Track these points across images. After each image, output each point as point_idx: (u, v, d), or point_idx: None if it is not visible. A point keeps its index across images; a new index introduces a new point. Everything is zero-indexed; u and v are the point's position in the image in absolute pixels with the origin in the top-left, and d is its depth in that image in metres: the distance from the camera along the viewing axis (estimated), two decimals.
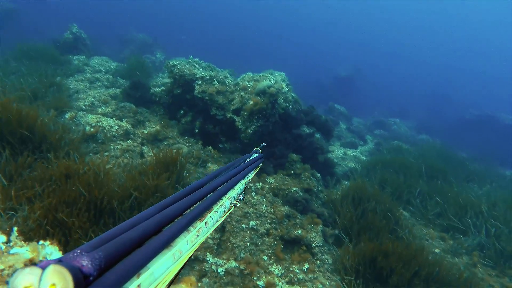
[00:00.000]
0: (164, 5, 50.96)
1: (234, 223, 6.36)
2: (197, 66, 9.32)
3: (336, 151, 12.64)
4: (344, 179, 10.16)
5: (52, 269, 0.50)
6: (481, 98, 35.03)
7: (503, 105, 28.50)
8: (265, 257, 6.07)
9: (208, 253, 5.78)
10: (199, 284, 5.32)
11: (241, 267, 5.65)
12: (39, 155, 6.11)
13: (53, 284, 0.49)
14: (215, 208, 1.19)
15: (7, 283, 0.55)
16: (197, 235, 0.98)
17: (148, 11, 44.56)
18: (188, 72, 8.81)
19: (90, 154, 7.34)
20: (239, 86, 8.62)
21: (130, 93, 9.70)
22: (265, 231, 6.44)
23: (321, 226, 7.07)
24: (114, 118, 8.69)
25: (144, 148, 8.00)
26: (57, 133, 6.61)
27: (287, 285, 5.71)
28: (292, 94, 8.93)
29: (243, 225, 6.38)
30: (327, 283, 5.92)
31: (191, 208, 1.06)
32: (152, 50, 20.50)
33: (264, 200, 7.10)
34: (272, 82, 8.40)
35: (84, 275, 0.55)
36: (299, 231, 6.65)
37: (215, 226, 1.16)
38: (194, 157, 7.83)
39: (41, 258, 1.92)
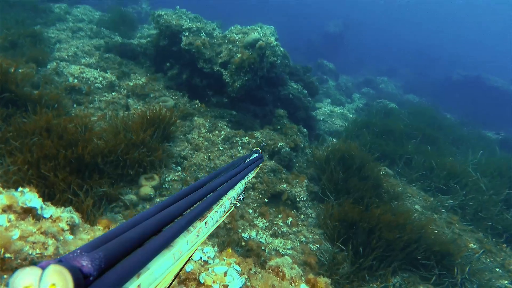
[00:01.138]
0: None
1: None
2: (184, 17, 9.04)
3: (324, 108, 12.66)
4: (330, 136, 10.22)
5: (52, 269, 0.49)
6: (469, 61, 34.97)
7: (491, 69, 28.53)
8: (250, 210, 6.16)
9: None
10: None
11: (226, 220, 5.73)
12: (21, 109, 5.99)
13: (53, 284, 0.48)
14: (215, 208, 1.18)
15: (7, 283, 0.51)
16: (197, 235, 0.97)
17: None
18: (174, 23, 8.54)
19: (74, 105, 7.20)
20: (227, 38, 8.42)
21: (117, 48, 9.42)
22: (251, 185, 6.50)
23: (306, 181, 7.18)
24: (98, 69, 8.47)
25: (129, 100, 7.87)
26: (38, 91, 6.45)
27: (271, 238, 5.84)
28: (281, 49, 8.77)
29: None
30: (310, 236, 6.07)
31: (191, 208, 1.04)
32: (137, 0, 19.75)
33: None
34: (261, 35, 8.22)
35: (84, 275, 0.55)
36: (284, 185, 6.74)
37: (215, 226, 1.14)
38: (180, 110, 7.74)
39: (20, 204, 1.92)
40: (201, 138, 7.09)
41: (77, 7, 13.28)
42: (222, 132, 7.45)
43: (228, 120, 8.06)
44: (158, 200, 5.67)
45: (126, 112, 7.35)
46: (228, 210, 1.30)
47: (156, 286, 0.72)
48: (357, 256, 5.66)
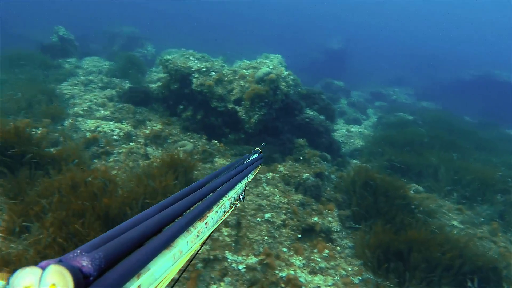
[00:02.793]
0: None
1: (249, 217, 6.26)
2: (192, 58, 9.10)
3: (341, 129, 12.49)
4: (352, 158, 10.03)
5: (52, 269, 0.49)
6: (474, 58, 34.64)
7: (498, 63, 28.13)
8: (285, 249, 5.98)
9: (226, 251, 5.69)
10: (221, 284, 5.25)
11: (262, 261, 5.57)
12: (42, 168, 5.98)
13: (53, 284, 0.48)
14: (215, 208, 1.19)
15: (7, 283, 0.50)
16: (198, 236, 0.98)
17: (132, 4, 43.75)
18: (183, 65, 8.58)
19: (94, 160, 7.20)
20: (237, 74, 8.42)
21: (129, 96, 9.49)
22: (281, 222, 6.33)
23: (336, 210, 6.98)
24: (114, 121, 8.52)
25: (148, 148, 7.85)
26: (57, 148, 6.48)
27: (310, 276, 5.64)
28: (292, 77, 8.73)
29: (259, 219, 6.27)
30: (350, 268, 5.85)
31: (191, 209, 1.05)
32: (141, 43, 20.16)
33: (277, 190, 6.98)
34: (271, 67, 8.19)
35: (84, 275, 0.55)
36: (315, 218, 6.56)
37: (215, 227, 1.16)
38: (200, 153, 7.67)
39: None
40: None
41: (86, 59, 13.54)
42: None
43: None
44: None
45: (146, 161, 7.31)
46: (228, 211, 1.33)
47: (156, 287, 0.72)
48: (401, 281, 5.43)
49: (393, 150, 9.82)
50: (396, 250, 5.85)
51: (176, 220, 0.94)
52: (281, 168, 7.56)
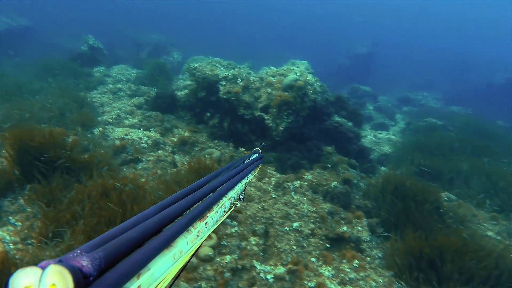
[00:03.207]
0: (171, 4, 50.78)
1: (277, 226, 6.20)
2: (218, 66, 9.13)
3: (368, 135, 12.29)
4: (381, 165, 9.84)
5: (52, 269, 0.49)
6: (505, 61, 33.51)
7: None
8: (313, 259, 5.89)
9: (254, 260, 5.64)
10: None
11: (290, 271, 5.50)
12: (72, 174, 6.08)
13: (53, 284, 0.48)
14: (215, 208, 1.19)
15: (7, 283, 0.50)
16: (198, 236, 0.99)
17: (157, 11, 44.44)
18: (210, 73, 8.62)
19: (123, 168, 7.29)
20: (264, 81, 8.39)
21: (156, 102, 9.60)
22: (310, 231, 6.25)
23: (365, 219, 6.84)
24: (142, 129, 8.62)
25: (176, 156, 7.90)
26: (87, 154, 6.58)
27: (339, 287, 5.53)
28: (319, 84, 8.64)
29: (287, 228, 6.21)
30: (380, 280, 5.70)
31: (191, 208, 1.06)
32: (168, 50, 20.40)
33: (305, 198, 6.90)
34: (298, 74, 8.13)
35: (84, 275, 0.55)
36: (344, 227, 6.44)
37: (215, 227, 1.16)
38: (228, 160, 7.67)
39: None
40: (252, 188, 6.95)
41: (114, 67, 13.81)
42: (273, 178, 7.29)
43: (276, 164, 7.92)
44: (218, 259, 5.50)
45: (174, 169, 7.35)
46: (228, 211, 1.33)
47: (156, 287, 0.72)
48: None
49: (422, 156, 9.58)
50: (428, 258, 5.68)
51: (176, 220, 0.95)
52: (308, 176, 7.47)
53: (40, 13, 27.78)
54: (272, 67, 9.02)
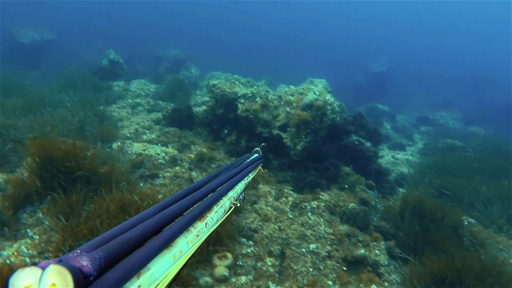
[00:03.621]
0: (190, 20, 51.61)
1: (293, 247, 6.12)
2: (237, 83, 9.19)
3: (386, 156, 12.14)
4: (398, 186, 9.69)
5: (52, 269, 0.49)
6: None
7: None
8: (330, 282, 5.77)
9: (270, 282, 5.56)
10: None
11: None
12: (90, 188, 6.11)
13: (53, 284, 0.48)
14: (215, 208, 1.19)
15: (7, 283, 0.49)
16: (198, 236, 0.99)
17: (175, 27, 45.12)
18: (229, 91, 8.67)
19: (141, 184, 7.31)
20: (283, 100, 8.39)
21: (174, 117, 9.67)
22: (327, 253, 6.14)
23: (383, 242, 6.71)
24: (159, 145, 8.67)
25: (192, 173, 7.90)
26: (107, 166, 6.62)
27: None
28: (337, 103, 8.60)
29: (303, 249, 6.12)
30: None
31: (191, 208, 1.06)
32: (186, 65, 20.62)
33: (322, 220, 6.82)
34: (317, 94, 8.11)
35: (84, 275, 0.54)
36: (362, 251, 6.32)
37: (215, 227, 1.16)
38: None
39: None
40: (269, 208, 6.89)
41: (133, 82, 14.02)
42: (290, 198, 7.23)
43: (292, 183, 7.86)
44: (233, 280, 5.43)
45: None
46: (228, 211, 1.32)
47: (156, 287, 0.72)
48: None
49: (441, 178, 9.40)
50: (448, 282, 5.52)
51: (176, 220, 0.95)
52: (326, 196, 7.39)
53: (63, 25, 28.46)
54: (291, 86, 9.05)
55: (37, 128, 8.14)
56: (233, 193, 1.41)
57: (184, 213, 1.01)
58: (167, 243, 0.83)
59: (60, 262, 0.52)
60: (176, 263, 0.82)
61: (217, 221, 1.18)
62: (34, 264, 0.52)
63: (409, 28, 59.30)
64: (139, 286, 0.65)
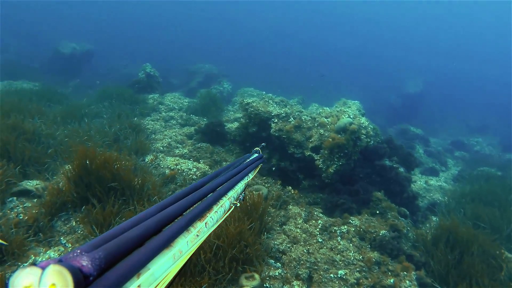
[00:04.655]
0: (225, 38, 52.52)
1: (321, 272, 6.02)
2: (271, 102, 9.24)
3: (418, 181, 11.86)
4: (431, 213, 9.42)
5: (52, 269, 0.49)
6: None
7: None
8: None
9: None
10: None
11: None
12: (122, 199, 6.21)
13: (53, 284, 0.48)
14: (215, 208, 1.20)
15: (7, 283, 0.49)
16: (197, 236, 0.99)
17: (209, 43, 46.01)
18: (263, 110, 8.72)
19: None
20: (317, 122, 8.37)
21: (206, 132, 9.78)
22: (355, 280, 6.01)
23: (414, 273, 6.52)
24: (191, 160, 8.77)
25: None
26: (140, 179, 6.72)
27: None
28: (371, 126, 8.51)
29: (331, 275, 6.01)
30: None
31: (191, 208, 1.06)
32: (218, 80, 20.91)
33: (351, 245, 6.70)
34: (352, 117, 8.06)
35: (84, 275, 0.54)
36: (392, 280, 6.16)
37: (215, 227, 1.16)
38: (275, 199, 7.61)
39: None
40: (298, 230, 6.83)
41: (167, 95, 14.31)
42: (320, 221, 7.14)
43: (323, 206, 7.78)
44: None
45: None
46: (228, 210, 1.34)
47: (156, 286, 0.72)
48: None
49: (477, 208, 9.08)
50: None
51: (176, 220, 0.96)
52: (356, 221, 7.27)
53: (102, 36, 29.48)
54: (325, 108, 9.03)
55: (75, 138, 8.39)
56: (233, 193, 1.42)
57: (184, 213, 1.02)
58: (167, 243, 0.84)
59: (60, 262, 0.53)
60: (176, 263, 0.83)
61: (217, 221, 1.19)
62: (34, 264, 0.51)
63: (447, 52, 58.12)
64: (139, 286, 0.66)
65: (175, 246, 0.86)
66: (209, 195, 1.23)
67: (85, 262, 0.56)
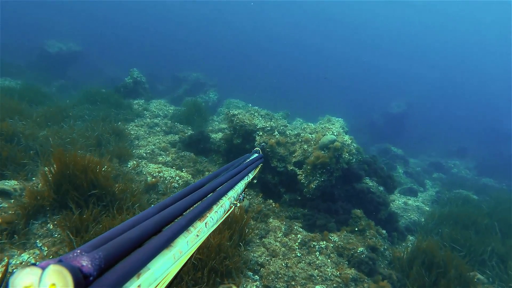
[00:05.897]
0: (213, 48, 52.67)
1: (299, 287, 6.05)
2: (257, 115, 9.30)
3: (397, 200, 12.05)
4: (408, 233, 9.58)
5: (52, 269, 0.49)
6: None
7: None
8: None
9: None
10: None
11: None
12: (102, 205, 6.13)
13: (53, 284, 0.48)
14: (215, 208, 1.20)
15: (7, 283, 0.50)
16: (197, 236, 0.99)
17: (198, 52, 46.12)
18: (248, 122, 8.79)
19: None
20: (301, 137, 8.47)
21: (190, 142, 9.78)
22: None
23: None
24: (174, 168, 8.74)
25: None
26: (120, 185, 6.65)
27: None
28: (354, 145, 8.65)
29: None
30: None
31: (191, 208, 1.06)
32: (205, 89, 20.93)
33: (329, 261, 6.76)
34: (335, 134, 8.18)
35: (84, 275, 0.55)
36: None
37: (215, 227, 1.16)
38: (256, 212, 7.64)
39: None
40: (277, 243, 6.87)
41: (153, 101, 14.26)
42: (299, 235, 7.20)
43: (303, 221, 7.84)
44: None
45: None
46: (228, 210, 1.33)
47: (156, 286, 0.72)
48: None
49: (452, 231, 9.26)
50: None
51: (176, 220, 0.96)
52: (335, 237, 7.35)
53: (91, 37, 29.25)
54: (309, 123, 9.15)
55: (56, 140, 8.27)
56: (233, 193, 1.43)
57: (184, 213, 1.02)
58: (167, 243, 0.84)
59: (60, 262, 0.53)
60: (176, 263, 0.84)
61: (217, 221, 1.19)
62: (34, 264, 0.52)
63: (428, 72, 59.45)
64: (139, 286, 0.66)
65: (175, 246, 0.86)
66: (209, 195, 1.24)
67: (85, 262, 0.57)
